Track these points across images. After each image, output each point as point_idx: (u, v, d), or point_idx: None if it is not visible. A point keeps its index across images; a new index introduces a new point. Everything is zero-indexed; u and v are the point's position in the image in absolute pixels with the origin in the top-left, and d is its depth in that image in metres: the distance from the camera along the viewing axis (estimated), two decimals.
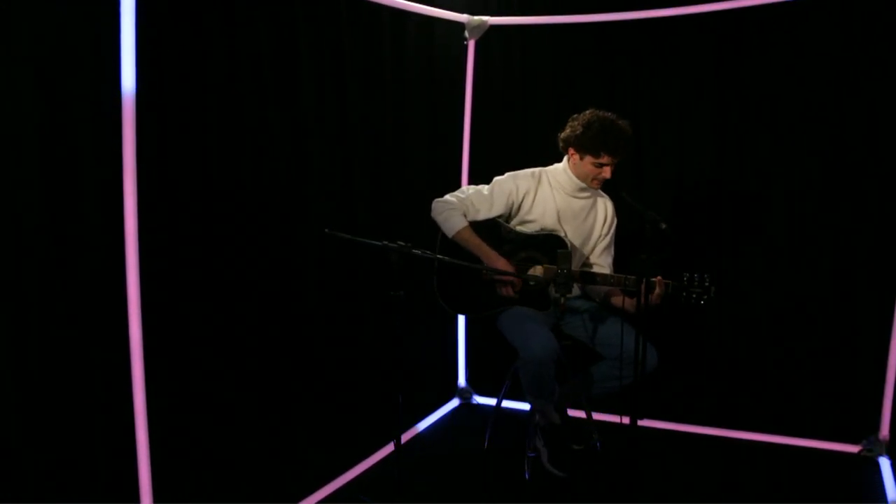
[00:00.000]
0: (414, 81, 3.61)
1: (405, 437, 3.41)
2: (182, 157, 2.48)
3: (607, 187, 2.94)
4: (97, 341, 2.22)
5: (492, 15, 3.71)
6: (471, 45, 3.74)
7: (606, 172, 2.79)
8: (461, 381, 3.96)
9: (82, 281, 2.18)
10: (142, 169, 2.23)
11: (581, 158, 2.81)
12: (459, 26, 3.70)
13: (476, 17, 3.66)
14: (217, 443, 2.64)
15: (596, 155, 2.76)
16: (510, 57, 3.82)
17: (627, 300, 2.75)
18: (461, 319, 3.93)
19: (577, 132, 2.77)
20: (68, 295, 2.14)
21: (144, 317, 2.23)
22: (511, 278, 2.70)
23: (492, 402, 3.85)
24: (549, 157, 2.98)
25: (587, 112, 2.80)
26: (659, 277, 2.55)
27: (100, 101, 2.17)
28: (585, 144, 2.76)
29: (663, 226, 2.25)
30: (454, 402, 3.89)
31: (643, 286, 2.28)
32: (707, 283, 2.58)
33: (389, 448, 3.21)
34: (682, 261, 3.24)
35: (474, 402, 3.91)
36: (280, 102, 2.87)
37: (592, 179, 2.82)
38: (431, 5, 3.52)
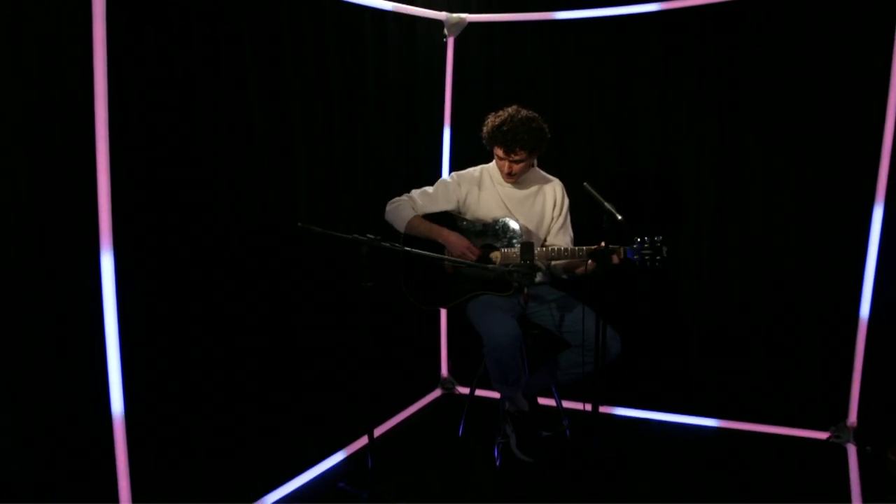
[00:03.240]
0: (395, 79, 3.68)
1: (387, 426, 3.50)
2: (162, 155, 2.56)
3: (566, 175, 3.04)
4: (73, 339, 2.28)
5: (471, 12, 3.78)
6: (450, 42, 3.81)
7: (506, 166, 2.92)
8: (443, 371, 4.04)
9: (57, 280, 2.23)
10: (118, 164, 2.28)
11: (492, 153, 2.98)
12: (439, 24, 3.76)
13: (454, 15, 3.73)
14: (193, 434, 2.70)
15: (492, 147, 2.93)
16: (490, 53, 3.88)
17: (590, 263, 2.82)
18: (443, 312, 4.00)
19: (483, 127, 2.96)
20: (44, 295, 2.20)
21: (120, 314, 2.28)
22: (479, 266, 2.82)
23: (481, 393, 3.92)
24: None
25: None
26: (603, 243, 2.60)
27: (72, 98, 2.22)
28: (486, 138, 2.95)
29: (619, 217, 2.32)
30: (436, 393, 3.97)
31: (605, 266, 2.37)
32: (658, 244, 2.61)
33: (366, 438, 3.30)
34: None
35: (457, 392, 3.99)
36: (264, 102, 2.95)
37: (502, 173, 2.96)
38: (412, 4, 3.59)
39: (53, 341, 2.24)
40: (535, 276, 2.70)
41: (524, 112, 2.89)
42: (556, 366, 2.89)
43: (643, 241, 2.64)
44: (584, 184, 2.57)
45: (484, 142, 2.98)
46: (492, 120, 2.93)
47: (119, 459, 2.32)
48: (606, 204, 2.37)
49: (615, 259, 2.66)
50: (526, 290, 2.50)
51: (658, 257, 2.62)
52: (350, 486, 2.80)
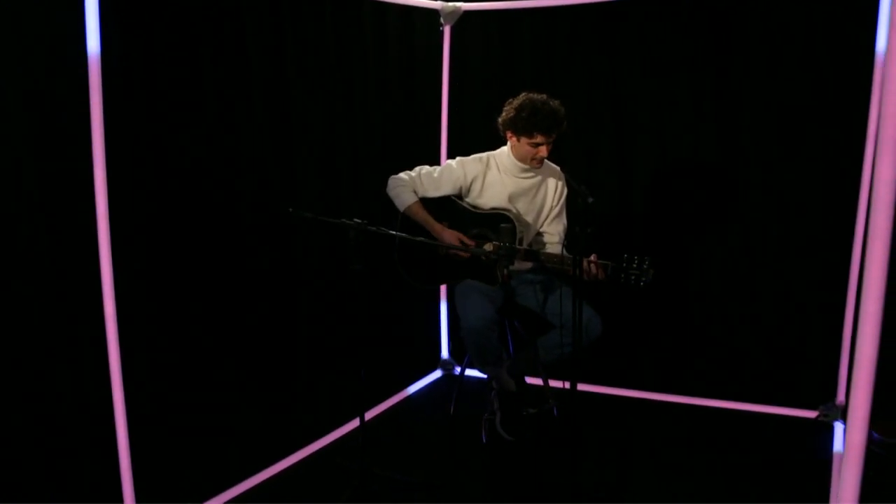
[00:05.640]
0: (394, 68, 3.76)
1: (386, 405, 3.63)
2: (161, 139, 2.66)
3: (563, 160, 3.09)
4: (73, 337, 2.36)
5: (467, 1, 3.84)
6: (446, 30, 3.88)
7: (542, 151, 2.91)
8: (444, 353, 4.15)
9: (56, 276, 2.31)
10: (114, 152, 2.35)
11: (518, 140, 2.95)
12: (436, 13, 3.84)
13: (450, 4, 3.80)
14: (195, 414, 2.81)
15: (529, 136, 2.90)
16: (487, 41, 3.94)
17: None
18: (443, 296, 4.11)
19: (511, 115, 2.91)
20: (43, 290, 2.28)
21: (118, 304, 2.36)
22: (462, 249, 2.91)
23: (473, 373, 4.02)
24: None
25: (521, 95, 2.93)
26: (594, 256, 2.66)
27: (66, 84, 2.30)
28: (519, 126, 2.90)
29: (590, 200, 2.38)
30: (437, 374, 4.09)
31: (580, 258, 2.43)
32: (645, 266, 2.66)
33: (366, 415, 3.42)
34: (653, 230, 3.49)
35: (456, 373, 4.09)
36: (267, 95, 3.04)
37: (531, 159, 2.96)
38: None
39: (52, 337, 2.31)
40: (514, 262, 2.78)
41: (538, 95, 2.92)
42: (539, 346, 2.98)
43: (631, 260, 2.69)
44: (563, 171, 2.65)
45: (512, 130, 2.96)
46: (515, 111, 2.90)
47: (122, 460, 2.41)
48: (581, 187, 2.43)
49: (601, 274, 2.72)
50: (506, 271, 2.58)
51: (643, 278, 2.67)
52: (345, 461, 2.94)
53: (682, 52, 3.49)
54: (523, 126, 2.89)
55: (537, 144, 2.91)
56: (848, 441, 1.40)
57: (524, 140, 2.93)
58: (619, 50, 3.63)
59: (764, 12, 3.29)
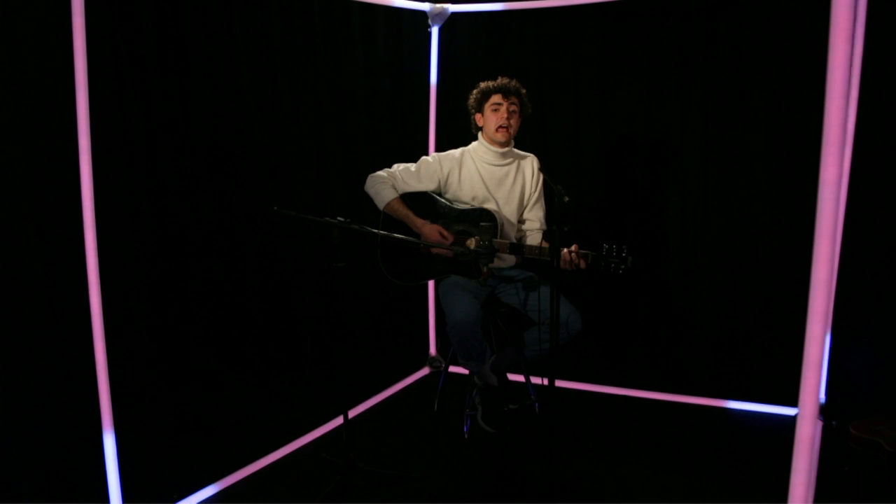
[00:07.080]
0: (383, 70, 3.81)
1: (373, 402, 3.67)
2: (150, 145, 2.71)
3: (550, 160, 3.14)
4: (59, 336, 2.41)
5: (454, 2, 3.89)
6: (434, 32, 3.93)
7: (503, 113, 3.03)
8: (432, 350, 4.19)
9: (42, 273, 2.36)
10: (102, 151, 2.41)
11: (483, 116, 3.09)
12: (423, 15, 3.89)
13: (437, 5, 3.85)
14: (181, 413, 2.86)
15: (487, 100, 3.06)
16: (476, 42, 3.99)
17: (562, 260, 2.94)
18: (430, 294, 4.15)
19: (471, 98, 3.13)
20: (30, 289, 2.33)
21: (105, 306, 2.36)
22: (443, 246, 2.97)
23: (461, 370, 4.06)
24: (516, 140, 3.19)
25: None
26: (575, 246, 2.71)
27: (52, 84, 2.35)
28: (478, 99, 3.09)
29: (566, 199, 2.44)
30: (424, 371, 4.13)
31: (558, 255, 2.48)
32: (624, 254, 2.72)
33: (354, 411, 3.48)
34: (637, 228, 3.57)
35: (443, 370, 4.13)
36: (256, 95, 3.10)
37: (497, 129, 3.04)
38: None
39: (38, 335, 2.36)
40: (494, 259, 2.82)
41: None
42: (521, 343, 3.03)
43: (610, 249, 2.75)
44: (539, 169, 2.69)
45: (477, 104, 3.12)
46: (482, 83, 3.11)
47: (107, 446, 2.41)
48: (557, 186, 2.48)
49: (582, 264, 2.78)
50: (485, 268, 2.62)
51: (623, 266, 2.73)
52: (329, 455, 2.99)
53: (671, 52, 3.54)
54: (481, 96, 3.08)
55: (497, 106, 3.04)
56: (798, 433, 1.45)
57: (487, 109, 3.08)
58: (607, 51, 3.68)
59: (756, 13, 3.34)
